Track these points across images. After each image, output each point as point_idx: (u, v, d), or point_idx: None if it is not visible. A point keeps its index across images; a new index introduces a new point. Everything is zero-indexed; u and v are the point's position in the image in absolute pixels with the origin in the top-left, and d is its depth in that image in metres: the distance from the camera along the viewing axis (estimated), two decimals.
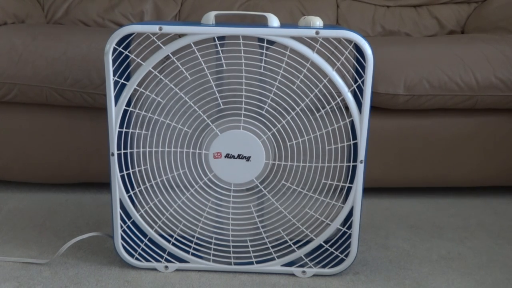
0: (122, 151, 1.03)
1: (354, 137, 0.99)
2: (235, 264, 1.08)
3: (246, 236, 1.06)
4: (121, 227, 1.06)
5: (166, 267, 1.08)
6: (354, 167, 1.01)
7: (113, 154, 1.01)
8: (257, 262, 1.07)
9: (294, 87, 0.98)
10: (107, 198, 1.46)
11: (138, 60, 0.97)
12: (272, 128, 1.00)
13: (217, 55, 0.97)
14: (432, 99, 1.35)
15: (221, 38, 0.96)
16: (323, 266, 1.07)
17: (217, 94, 0.99)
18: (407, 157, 1.43)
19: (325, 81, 0.97)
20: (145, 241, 1.08)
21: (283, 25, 0.99)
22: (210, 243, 1.07)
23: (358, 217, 1.03)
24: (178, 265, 1.08)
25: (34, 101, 1.34)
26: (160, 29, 0.95)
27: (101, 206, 1.41)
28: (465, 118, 1.41)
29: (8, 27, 1.51)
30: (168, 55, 0.96)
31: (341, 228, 1.05)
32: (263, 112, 1.00)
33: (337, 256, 1.06)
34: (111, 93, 0.98)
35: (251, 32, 0.94)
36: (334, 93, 0.98)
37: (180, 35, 0.96)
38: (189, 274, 1.08)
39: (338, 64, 0.96)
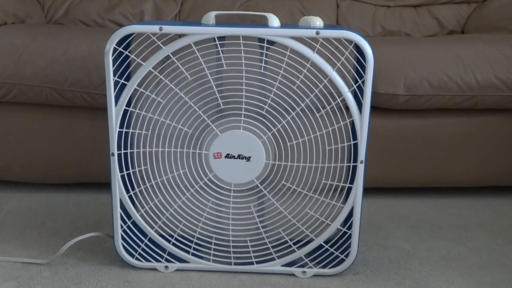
0: (122, 151, 1.03)
1: (355, 138, 0.99)
2: (235, 264, 1.08)
3: (246, 236, 1.06)
4: (121, 227, 1.06)
5: (166, 267, 1.08)
6: (354, 168, 1.01)
7: (113, 154, 1.01)
8: (257, 262, 1.07)
9: (295, 87, 0.97)
10: (107, 198, 1.46)
11: (138, 60, 0.97)
12: (272, 128, 1.00)
13: (217, 55, 0.97)
14: (432, 99, 1.35)
15: (221, 38, 0.96)
16: (323, 266, 1.07)
17: (217, 94, 0.99)
18: (407, 157, 1.43)
19: (325, 81, 0.97)
20: (145, 241, 1.08)
21: (283, 25, 0.99)
22: (210, 243, 1.07)
23: (358, 218, 1.03)
24: (178, 265, 1.08)
25: (34, 101, 1.34)
26: (160, 29, 0.95)
27: (101, 206, 1.41)
28: (465, 118, 1.41)
29: (8, 27, 1.51)
30: (168, 55, 0.96)
31: (341, 228, 1.05)
32: (263, 112, 1.00)
33: (337, 257, 1.06)
34: (111, 93, 0.98)
35: (252, 32, 0.94)
36: (335, 93, 0.98)
37: (180, 35, 0.96)
38: (189, 274, 1.08)
39: (339, 65, 0.96)
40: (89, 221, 1.32)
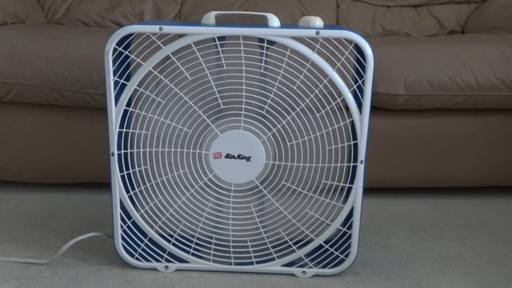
0: (122, 151, 1.03)
1: (355, 138, 0.99)
2: (235, 264, 1.08)
3: (246, 236, 1.06)
4: (121, 227, 1.06)
5: (166, 267, 1.08)
6: (354, 168, 1.01)
7: (113, 154, 1.01)
8: (257, 262, 1.07)
9: (295, 87, 0.97)
10: (107, 198, 1.46)
11: (138, 60, 0.97)
12: (272, 128, 1.00)
13: (217, 55, 0.97)
14: (432, 99, 1.35)
15: (221, 38, 0.96)
16: (323, 266, 1.07)
17: (217, 94, 0.99)
18: (407, 157, 1.43)
19: (325, 81, 0.97)
20: (145, 241, 1.08)
21: (283, 25, 0.99)
22: (210, 243, 1.07)
23: (358, 218, 1.03)
24: (178, 265, 1.08)
25: (34, 101, 1.34)
26: (160, 29, 0.95)
27: (101, 206, 1.41)
28: (465, 118, 1.41)
29: (8, 27, 1.51)
30: (168, 55, 0.96)
31: (341, 228, 1.05)
32: (263, 112, 1.00)
33: (337, 257, 1.07)
34: (111, 93, 0.98)
35: (252, 32, 0.94)
36: (335, 93, 0.98)
37: (180, 35, 0.96)
38: (189, 274, 1.08)
39: (339, 64, 0.96)
40: (89, 221, 1.32)
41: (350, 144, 1.00)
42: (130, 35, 0.97)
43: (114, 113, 0.99)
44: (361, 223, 1.04)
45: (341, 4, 1.91)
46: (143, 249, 1.08)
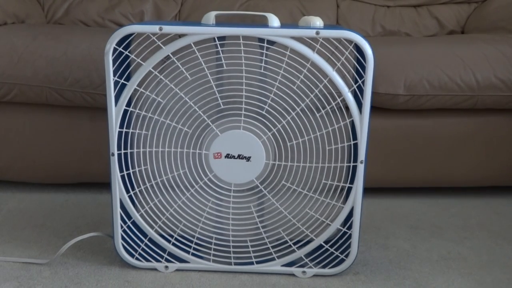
0: (122, 151, 1.03)
1: (355, 137, 0.99)
2: (235, 264, 1.08)
3: (246, 236, 1.06)
4: (121, 227, 1.06)
5: (166, 267, 1.08)
6: (355, 168, 1.01)
7: (113, 154, 1.01)
8: (257, 262, 1.07)
9: (294, 87, 0.98)
10: (107, 198, 1.46)
11: (138, 60, 0.97)
12: (272, 128, 1.00)
13: (217, 55, 0.97)
14: (432, 99, 1.35)
15: (221, 38, 0.96)
16: (323, 266, 1.07)
17: (217, 94, 0.99)
18: (407, 157, 1.43)
19: (325, 81, 0.97)
20: (145, 241, 1.08)
21: (283, 25, 0.99)
22: (210, 243, 1.07)
23: (358, 218, 1.03)
24: (178, 265, 1.08)
25: (34, 101, 1.34)
26: (160, 29, 0.95)
27: (101, 206, 1.41)
28: (465, 118, 1.41)
29: (8, 27, 1.51)
30: (168, 55, 0.96)
31: (341, 228, 1.05)
32: (263, 112, 1.00)
33: (337, 257, 1.07)
34: (111, 93, 0.98)
35: (252, 32, 0.94)
36: (335, 93, 0.98)
37: (180, 35, 0.96)
38: (189, 274, 1.08)
39: (339, 65, 0.96)
40: (89, 221, 1.32)
41: (350, 144, 1.00)
42: (130, 35, 0.97)
43: (114, 113, 0.99)
44: (361, 223, 1.04)
45: (341, 4, 1.91)
46: (143, 249, 1.08)
